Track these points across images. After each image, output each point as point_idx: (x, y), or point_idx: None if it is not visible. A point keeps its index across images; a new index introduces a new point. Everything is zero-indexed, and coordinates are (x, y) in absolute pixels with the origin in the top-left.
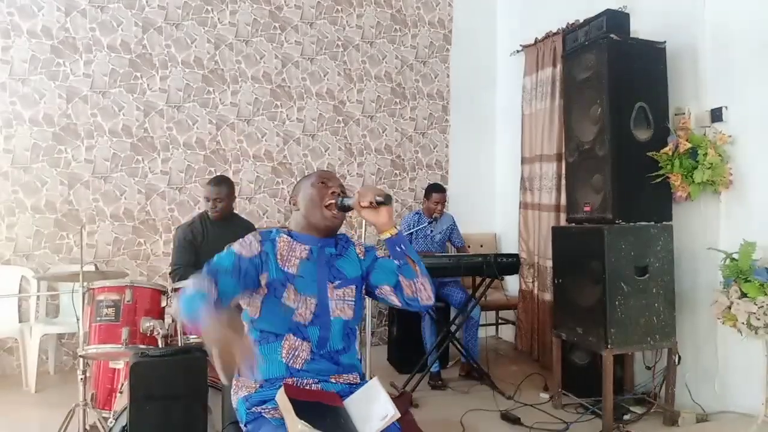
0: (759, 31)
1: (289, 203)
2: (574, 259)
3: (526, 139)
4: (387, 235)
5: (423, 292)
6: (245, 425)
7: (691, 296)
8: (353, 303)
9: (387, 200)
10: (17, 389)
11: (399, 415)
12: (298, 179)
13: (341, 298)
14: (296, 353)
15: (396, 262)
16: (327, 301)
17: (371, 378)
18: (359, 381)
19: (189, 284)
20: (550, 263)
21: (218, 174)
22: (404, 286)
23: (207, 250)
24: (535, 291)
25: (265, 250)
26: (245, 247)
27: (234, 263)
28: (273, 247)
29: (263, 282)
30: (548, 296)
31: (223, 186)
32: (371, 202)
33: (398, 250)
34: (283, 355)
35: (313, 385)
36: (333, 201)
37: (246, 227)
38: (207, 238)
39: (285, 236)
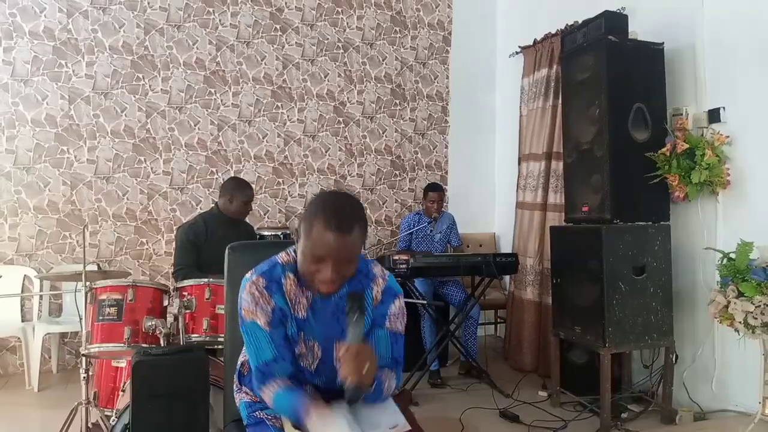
0: (757, 32)
1: (293, 234)
2: (573, 258)
3: (524, 140)
4: None
5: None
6: (247, 427)
7: (689, 295)
8: None
9: (352, 397)
10: (20, 388)
11: (409, 427)
12: (307, 204)
13: None
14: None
15: None
16: (333, 359)
17: None
18: None
19: (273, 403)
20: (530, 261)
21: (235, 176)
22: None
23: (209, 251)
24: (513, 289)
25: (277, 304)
26: (261, 313)
27: (272, 346)
28: (281, 291)
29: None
30: (528, 294)
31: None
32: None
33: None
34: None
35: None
36: (324, 286)
37: (247, 230)
38: (209, 238)
39: (291, 277)
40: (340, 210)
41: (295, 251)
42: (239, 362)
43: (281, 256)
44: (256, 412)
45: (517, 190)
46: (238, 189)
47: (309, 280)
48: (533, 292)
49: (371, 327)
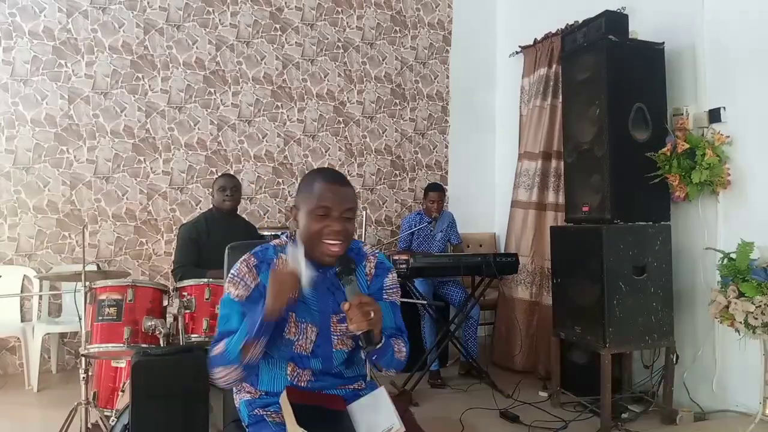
0: (757, 32)
1: (290, 213)
2: (573, 258)
3: (522, 139)
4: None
5: (384, 371)
6: (247, 427)
7: (689, 296)
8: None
9: (367, 342)
10: (19, 388)
11: (404, 429)
12: (299, 182)
13: (344, 332)
14: (300, 374)
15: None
16: (329, 334)
17: (372, 379)
18: (364, 386)
19: (226, 347)
20: (522, 260)
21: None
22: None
23: (210, 249)
24: (502, 287)
25: (262, 281)
26: (240, 285)
27: (241, 317)
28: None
29: None
30: (519, 293)
31: (235, 178)
32: (356, 331)
33: (372, 357)
34: (288, 373)
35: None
36: (333, 242)
37: (247, 228)
38: (210, 237)
39: (283, 257)
40: (332, 170)
41: (287, 236)
42: None
43: (275, 241)
44: (256, 410)
45: (513, 189)
46: (215, 181)
47: (316, 242)
48: (524, 291)
49: (374, 294)
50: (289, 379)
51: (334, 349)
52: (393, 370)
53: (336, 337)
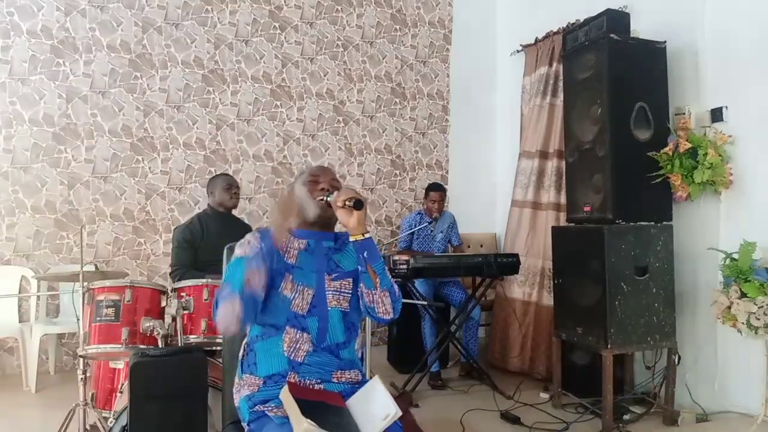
0: (759, 31)
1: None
2: (574, 259)
3: (524, 139)
4: (353, 239)
5: (380, 305)
6: (248, 424)
7: (691, 296)
8: (349, 295)
9: (357, 205)
10: (17, 389)
11: (401, 413)
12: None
13: (338, 289)
14: (297, 346)
15: (359, 267)
16: (324, 292)
17: (371, 377)
18: (361, 379)
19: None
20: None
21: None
22: (364, 293)
23: (206, 249)
24: (497, 286)
25: (266, 246)
26: (245, 246)
27: (246, 270)
28: (272, 242)
29: None
30: (514, 293)
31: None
32: (345, 203)
33: (362, 257)
34: (285, 348)
35: (316, 385)
36: (322, 197)
37: (243, 228)
38: (205, 238)
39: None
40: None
41: None
42: (240, 355)
43: None
44: (257, 406)
45: (512, 188)
46: (214, 180)
47: (309, 201)
48: (518, 291)
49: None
50: (286, 354)
51: (329, 307)
52: (389, 299)
53: (330, 293)
